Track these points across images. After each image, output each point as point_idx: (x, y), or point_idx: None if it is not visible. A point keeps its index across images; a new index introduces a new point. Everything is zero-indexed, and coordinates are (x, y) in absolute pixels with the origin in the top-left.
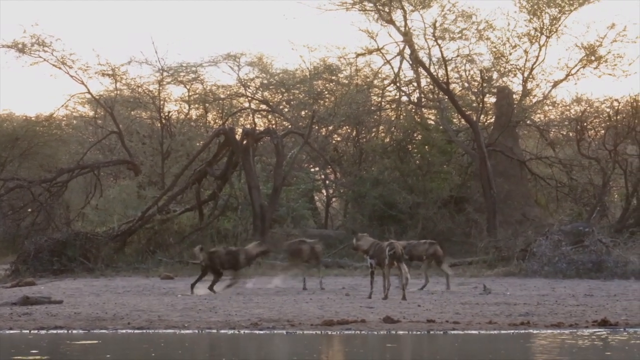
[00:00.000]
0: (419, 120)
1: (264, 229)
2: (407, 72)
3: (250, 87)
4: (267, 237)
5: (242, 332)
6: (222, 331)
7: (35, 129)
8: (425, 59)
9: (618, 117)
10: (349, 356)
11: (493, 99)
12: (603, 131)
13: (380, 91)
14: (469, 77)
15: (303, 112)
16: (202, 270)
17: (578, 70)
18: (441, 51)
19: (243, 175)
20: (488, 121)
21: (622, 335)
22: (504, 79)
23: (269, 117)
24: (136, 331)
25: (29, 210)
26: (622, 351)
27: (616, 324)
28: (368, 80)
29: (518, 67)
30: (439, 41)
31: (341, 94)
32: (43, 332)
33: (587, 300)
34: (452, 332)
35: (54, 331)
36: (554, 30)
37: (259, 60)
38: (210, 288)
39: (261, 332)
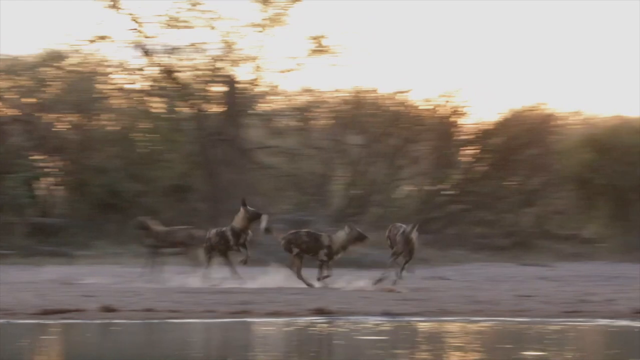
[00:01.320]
0: (144, 108)
1: None
2: (135, 60)
3: None
4: None
5: None
6: None
7: None
8: (152, 47)
9: (343, 108)
10: (54, 344)
11: (221, 88)
12: (328, 121)
13: (107, 79)
14: (197, 66)
15: (29, 99)
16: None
17: (305, 60)
18: (169, 39)
19: None
20: (216, 110)
21: (337, 322)
22: (233, 68)
23: None
24: None
25: None
26: (335, 337)
27: (333, 312)
28: (95, 67)
29: (247, 56)
30: (167, 29)
31: (68, 81)
32: None
33: (307, 289)
34: (171, 320)
35: None
36: (282, 20)
37: None
38: None
39: None
